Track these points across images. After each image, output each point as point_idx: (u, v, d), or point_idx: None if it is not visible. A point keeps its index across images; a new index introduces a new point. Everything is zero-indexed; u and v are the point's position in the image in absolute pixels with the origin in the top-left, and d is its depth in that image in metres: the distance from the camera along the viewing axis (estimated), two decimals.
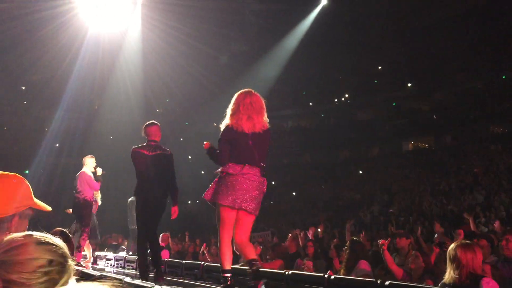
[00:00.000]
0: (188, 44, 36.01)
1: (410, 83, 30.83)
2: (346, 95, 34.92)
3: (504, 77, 26.74)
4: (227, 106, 4.01)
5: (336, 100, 35.13)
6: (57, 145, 32.54)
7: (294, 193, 26.63)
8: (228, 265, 3.75)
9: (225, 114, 3.99)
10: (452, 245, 3.68)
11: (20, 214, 1.83)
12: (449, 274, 3.54)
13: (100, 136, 32.42)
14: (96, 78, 32.28)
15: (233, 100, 3.97)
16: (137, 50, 32.68)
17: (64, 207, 8.54)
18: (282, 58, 34.26)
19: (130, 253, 9.43)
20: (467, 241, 3.78)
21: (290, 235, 8.79)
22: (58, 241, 1.24)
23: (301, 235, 8.79)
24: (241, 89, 4.09)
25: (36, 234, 1.23)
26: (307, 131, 36.02)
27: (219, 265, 3.91)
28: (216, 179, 3.87)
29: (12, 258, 1.15)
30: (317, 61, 36.01)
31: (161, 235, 9.46)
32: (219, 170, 3.84)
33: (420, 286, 3.74)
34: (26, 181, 1.89)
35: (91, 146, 30.00)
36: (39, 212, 1.97)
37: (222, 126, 3.97)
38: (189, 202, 28.22)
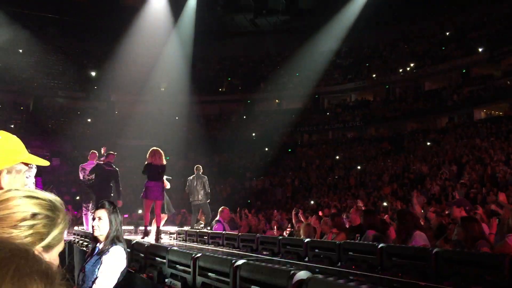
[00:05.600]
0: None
1: (481, 48, 28.97)
2: (412, 65, 33.52)
3: None
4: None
5: (401, 70, 33.84)
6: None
7: (359, 167, 26.22)
8: (147, 223, 8.57)
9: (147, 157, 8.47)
10: None
11: (9, 170, 1.81)
12: None
13: (166, 117, 33.44)
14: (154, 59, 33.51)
15: (149, 152, 8.46)
16: (190, 29, 33.48)
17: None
18: (342, 30, 33.34)
19: (199, 227, 9.76)
20: None
21: (353, 207, 8.71)
22: (47, 195, 1.19)
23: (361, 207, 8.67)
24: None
25: (22, 189, 1.20)
26: (371, 103, 35.09)
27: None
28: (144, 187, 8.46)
29: None
30: (379, 30, 34.77)
31: (220, 208, 9.87)
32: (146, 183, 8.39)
33: (471, 252, 3.62)
34: (15, 137, 1.86)
35: (159, 127, 31.17)
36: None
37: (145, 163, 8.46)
38: (254, 178, 28.57)
